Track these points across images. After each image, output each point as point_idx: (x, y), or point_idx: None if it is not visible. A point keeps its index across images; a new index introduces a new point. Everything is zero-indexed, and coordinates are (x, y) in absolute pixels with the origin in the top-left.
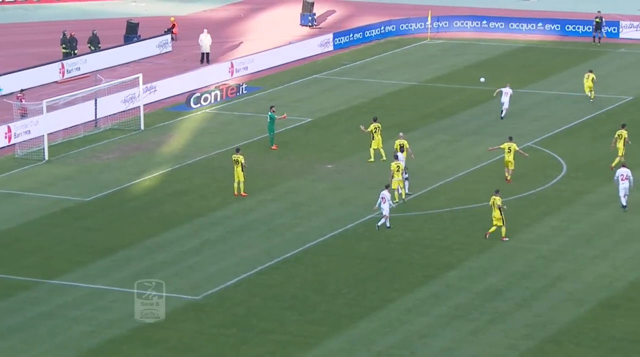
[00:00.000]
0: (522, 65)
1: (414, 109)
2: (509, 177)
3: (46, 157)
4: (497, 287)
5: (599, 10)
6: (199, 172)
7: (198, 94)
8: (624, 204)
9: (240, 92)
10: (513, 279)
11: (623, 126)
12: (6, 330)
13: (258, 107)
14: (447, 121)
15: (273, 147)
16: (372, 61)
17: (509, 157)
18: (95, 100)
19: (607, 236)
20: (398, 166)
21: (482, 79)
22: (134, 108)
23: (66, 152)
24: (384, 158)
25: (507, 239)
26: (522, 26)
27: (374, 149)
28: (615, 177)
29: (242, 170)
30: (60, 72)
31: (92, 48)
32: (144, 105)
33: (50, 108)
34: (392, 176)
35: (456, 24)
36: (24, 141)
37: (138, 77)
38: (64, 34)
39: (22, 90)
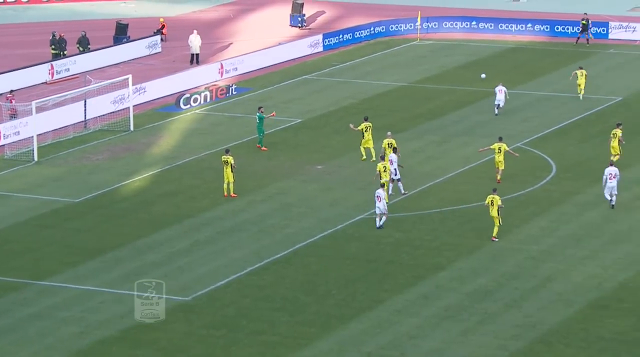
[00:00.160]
0: (512, 66)
1: (404, 110)
2: (498, 177)
3: (35, 158)
4: (487, 288)
5: (586, 12)
6: (189, 173)
7: (188, 95)
8: (613, 203)
9: (230, 93)
10: (503, 279)
11: (618, 125)
12: None
13: (248, 108)
14: (437, 122)
15: (263, 148)
16: (362, 62)
17: (499, 158)
18: (85, 101)
19: (597, 237)
20: (385, 167)
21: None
22: (123, 109)
23: (55, 153)
24: (374, 159)
25: (497, 239)
26: (511, 27)
27: (364, 148)
28: (604, 176)
29: (232, 171)
30: (49, 73)
31: (81, 49)
32: (133, 106)
33: (40, 109)
34: (380, 177)
35: (446, 24)
36: (13, 142)
37: (127, 78)
38: (54, 35)
39: (11, 91)
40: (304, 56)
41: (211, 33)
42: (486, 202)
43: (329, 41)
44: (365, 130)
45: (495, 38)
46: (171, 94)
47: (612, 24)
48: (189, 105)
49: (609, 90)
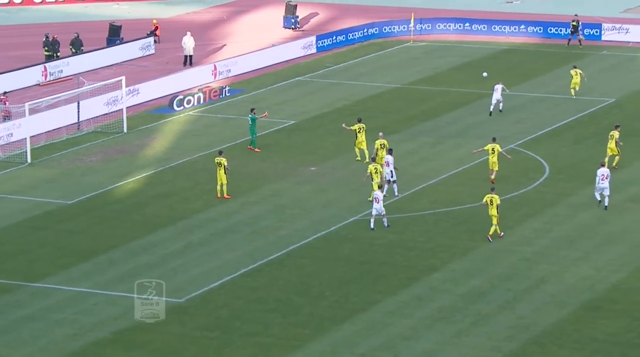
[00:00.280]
0: (505, 68)
1: (397, 112)
2: (492, 177)
3: (29, 160)
4: (480, 289)
5: (576, 13)
6: (182, 174)
7: (181, 97)
8: (605, 204)
9: (224, 95)
10: (496, 281)
11: (616, 127)
12: None
13: (241, 110)
14: (430, 123)
15: (256, 150)
16: (355, 64)
17: (494, 158)
18: (78, 103)
19: (590, 238)
20: (376, 168)
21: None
22: (116, 111)
23: (49, 155)
24: (368, 160)
25: (502, 235)
26: (504, 28)
27: (359, 149)
28: (597, 178)
29: (225, 173)
30: (42, 75)
31: (74, 50)
32: (126, 107)
33: (33, 111)
34: (371, 179)
35: (439, 26)
36: (6, 144)
37: (121, 80)
38: (47, 37)
39: (5, 93)
40: (298, 58)
41: (205, 35)
42: (484, 200)
43: (322, 43)
44: (359, 131)
45: (488, 40)
46: (164, 96)
47: (605, 25)
48: (182, 107)
49: (602, 91)
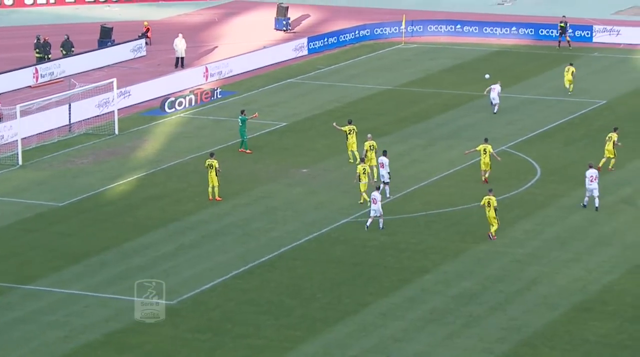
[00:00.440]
0: (497, 69)
1: (389, 113)
2: (485, 177)
3: (20, 162)
4: (472, 291)
5: (564, 15)
6: (174, 176)
7: (172, 99)
8: (596, 205)
9: (215, 97)
10: (488, 282)
11: (615, 129)
12: None
13: (232, 112)
14: (422, 125)
15: (247, 151)
16: (347, 65)
17: (486, 159)
18: (69, 105)
19: (581, 240)
20: (364, 169)
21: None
22: (108, 113)
23: (40, 157)
24: (358, 161)
25: (494, 238)
26: (496, 30)
27: (351, 151)
28: (586, 179)
29: (216, 175)
30: (33, 77)
31: (65, 52)
32: (118, 109)
33: (24, 113)
34: (360, 179)
35: (430, 28)
36: None
37: (112, 82)
38: (38, 39)
39: None
40: (289, 60)
41: (196, 36)
42: (482, 203)
43: (313, 45)
44: (349, 133)
45: (480, 41)
46: (156, 98)
47: (596, 27)
48: (173, 109)
49: (593, 93)
